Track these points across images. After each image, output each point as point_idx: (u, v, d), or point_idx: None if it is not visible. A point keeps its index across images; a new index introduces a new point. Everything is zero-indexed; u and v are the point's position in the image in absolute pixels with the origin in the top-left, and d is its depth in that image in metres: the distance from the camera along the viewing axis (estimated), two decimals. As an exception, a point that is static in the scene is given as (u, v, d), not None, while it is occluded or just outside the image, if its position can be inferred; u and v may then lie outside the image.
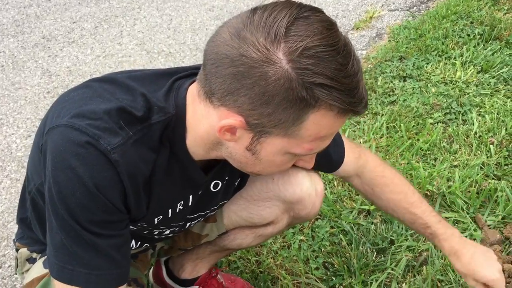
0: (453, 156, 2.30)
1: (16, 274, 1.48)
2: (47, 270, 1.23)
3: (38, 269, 1.29)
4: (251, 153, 0.97)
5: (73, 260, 0.96)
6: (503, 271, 1.73)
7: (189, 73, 1.05)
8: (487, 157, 2.27)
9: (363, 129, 2.48)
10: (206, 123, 0.95)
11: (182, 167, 1.05)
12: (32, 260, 1.32)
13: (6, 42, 3.46)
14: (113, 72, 1.12)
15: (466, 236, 1.89)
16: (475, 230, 1.92)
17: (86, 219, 0.93)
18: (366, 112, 2.26)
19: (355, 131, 2.49)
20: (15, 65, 3.21)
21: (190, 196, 1.17)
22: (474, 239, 1.88)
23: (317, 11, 0.88)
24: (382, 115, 2.59)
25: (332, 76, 0.83)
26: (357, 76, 0.87)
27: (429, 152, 2.34)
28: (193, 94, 0.97)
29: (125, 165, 0.93)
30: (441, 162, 2.26)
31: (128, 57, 3.28)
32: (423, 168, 2.19)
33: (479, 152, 2.31)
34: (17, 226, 1.38)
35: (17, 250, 1.35)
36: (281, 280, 1.78)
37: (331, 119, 0.89)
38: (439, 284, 1.75)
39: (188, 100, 0.99)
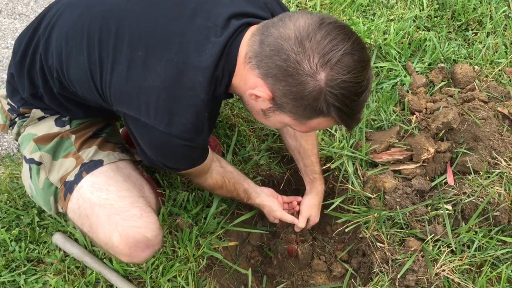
0: (390, 11, 2.49)
1: (9, 133, 1.60)
2: (58, 129, 1.49)
3: (50, 126, 1.49)
4: (263, 114, 1.27)
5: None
6: (426, 109, 2.05)
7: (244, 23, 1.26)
8: (420, 11, 2.47)
9: (308, -12, 2.60)
10: (242, 82, 1.23)
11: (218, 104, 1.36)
12: (41, 118, 1.51)
13: None
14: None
15: (397, 83, 2.17)
16: (405, 76, 2.18)
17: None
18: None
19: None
20: None
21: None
22: (404, 84, 2.15)
23: (363, 49, 1.12)
24: (326, -27, 2.70)
25: (347, 104, 1.12)
26: (364, 104, 1.17)
27: (369, 8, 2.52)
28: (241, 54, 1.21)
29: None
30: (379, 17, 2.45)
31: None
32: (363, 23, 2.37)
33: (413, 6, 2.50)
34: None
35: (21, 114, 1.51)
36: (238, 126, 2.02)
37: (330, 123, 1.22)
38: (372, 123, 2.04)
39: (239, 60, 1.22)
